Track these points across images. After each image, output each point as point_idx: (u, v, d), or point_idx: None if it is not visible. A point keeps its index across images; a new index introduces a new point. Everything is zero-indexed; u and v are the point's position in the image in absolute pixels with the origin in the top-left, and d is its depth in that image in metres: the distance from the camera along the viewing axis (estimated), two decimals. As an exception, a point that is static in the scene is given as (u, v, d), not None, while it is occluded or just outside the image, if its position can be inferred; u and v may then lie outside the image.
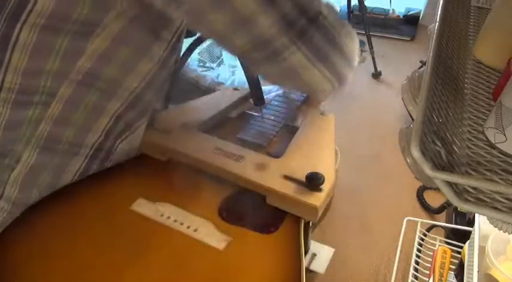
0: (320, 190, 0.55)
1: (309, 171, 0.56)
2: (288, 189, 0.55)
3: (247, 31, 0.45)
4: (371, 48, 1.58)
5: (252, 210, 0.57)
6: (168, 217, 0.54)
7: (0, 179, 0.53)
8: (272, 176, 0.57)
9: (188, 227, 0.52)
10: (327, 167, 0.59)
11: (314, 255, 0.59)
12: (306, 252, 0.56)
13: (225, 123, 0.75)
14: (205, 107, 0.75)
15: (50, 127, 0.53)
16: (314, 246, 0.60)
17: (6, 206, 0.54)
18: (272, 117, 0.75)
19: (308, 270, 0.57)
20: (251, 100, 0.79)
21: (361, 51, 1.10)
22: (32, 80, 0.49)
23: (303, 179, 0.56)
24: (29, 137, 0.52)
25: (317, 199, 0.54)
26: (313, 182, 0.55)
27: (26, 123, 0.51)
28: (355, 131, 1.33)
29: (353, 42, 0.53)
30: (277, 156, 0.62)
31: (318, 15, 0.46)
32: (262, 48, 0.46)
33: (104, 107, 0.56)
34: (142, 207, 0.55)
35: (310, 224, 0.57)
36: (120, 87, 0.55)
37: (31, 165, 0.54)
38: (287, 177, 0.57)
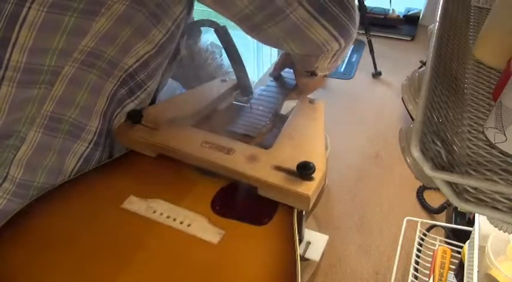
0: (311, 179, 0.55)
1: (300, 161, 0.56)
2: (280, 179, 0.55)
3: None
4: (371, 48, 1.58)
5: (245, 203, 0.58)
6: (161, 214, 0.54)
7: (5, 159, 0.53)
8: (263, 167, 0.57)
9: (181, 223, 0.52)
10: (317, 156, 0.59)
11: (309, 243, 0.59)
12: (300, 241, 0.57)
13: (214, 116, 0.75)
14: (193, 100, 0.74)
15: (53, 107, 0.53)
16: (308, 234, 0.60)
17: (11, 187, 0.54)
18: (261, 108, 0.75)
19: (304, 259, 0.57)
20: (239, 91, 0.79)
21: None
22: (38, 58, 0.49)
23: (294, 168, 0.55)
24: (33, 116, 0.52)
25: (309, 188, 0.54)
26: (304, 171, 0.55)
27: (31, 103, 0.51)
28: (355, 130, 1.33)
29: None
30: (267, 147, 0.62)
31: None
32: (264, 8, 0.46)
33: (102, 87, 0.56)
34: (134, 204, 0.55)
35: (304, 213, 0.57)
36: (116, 67, 0.56)
37: (36, 145, 0.54)
38: (278, 168, 0.57)
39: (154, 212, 0.54)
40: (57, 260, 0.48)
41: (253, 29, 0.52)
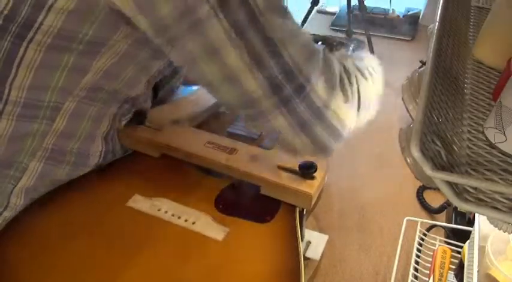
0: (313, 178, 0.56)
1: (302, 160, 0.57)
2: (282, 178, 0.56)
3: (235, 88, 0.45)
4: (371, 48, 1.58)
5: (248, 201, 0.59)
6: (166, 212, 0.54)
7: (5, 189, 0.53)
8: (266, 166, 0.58)
9: (186, 221, 0.53)
10: None
11: (309, 243, 0.61)
12: (301, 240, 0.58)
13: (216, 118, 0.75)
14: (195, 102, 0.75)
15: (55, 140, 0.53)
16: (308, 234, 0.62)
17: (9, 215, 0.54)
18: None
19: (304, 258, 0.58)
20: None
21: (341, 43, 1.10)
22: (37, 95, 0.49)
23: (296, 168, 0.57)
24: (34, 149, 0.52)
25: (311, 187, 0.55)
26: (306, 170, 0.56)
27: (31, 136, 0.51)
28: (354, 130, 1.33)
29: (348, 110, 0.49)
30: (268, 148, 0.62)
31: (305, 86, 0.45)
32: (248, 106, 0.46)
33: (104, 114, 0.57)
34: (139, 203, 0.55)
35: (304, 212, 0.57)
36: (119, 95, 0.56)
37: (37, 175, 0.54)
38: (280, 167, 0.58)
39: (159, 210, 0.54)
40: (63, 257, 0.49)
41: (240, 116, 0.50)
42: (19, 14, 0.44)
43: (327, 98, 0.47)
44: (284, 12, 0.45)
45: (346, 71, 0.50)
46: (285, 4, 0.46)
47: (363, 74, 0.52)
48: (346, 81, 0.49)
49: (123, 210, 0.55)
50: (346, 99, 0.48)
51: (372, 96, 0.53)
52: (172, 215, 0.54)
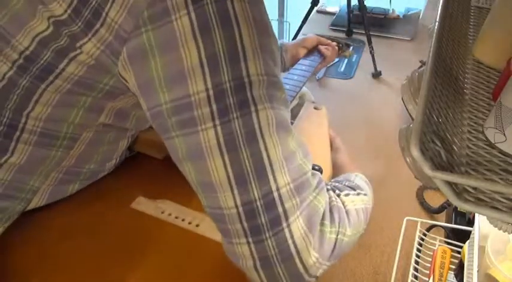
0: None
1: None
2: None
3: (210, 196, 0.43)
4: (371, 48, 1.58)
5: None
6: (169, 214, 0.54)
7: (13, 210, 0.53)
8: None
9: (190, 223, 0.53)
10: (323, 159, 0.60)
11: None
12: None
13: None
14: None
15: (71, 163, 0.53)
16: None
17: None
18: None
19: None
20: None
21: (348, 45, 1.12)
22: (54, 126, 0.49)
23: None
24: (48, 172, 0.52)
25: None
26: None
27: (47, 162, 0.51)
28: (355, 130, 1.33)
29: (318, 256, 0.43)
30: None
31: (281, 221, 0.41)
32: (217, 220, 0.43)
33: (124, 137, 0.57)
34: (143, 205, 0.55)
35: None
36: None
37: (47, 196, 0.54)
38: None
39: (162, 212, 0.54)
40: (65, 258, 0.49)
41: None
42: (41, 57, 0.44)
43: (299, 242, 0.41)
44: (286, 133, 0.43)
45: (332, 209, 0.46)
46: (289, 124, 0.44)
47: (349, 217, 0.47)
48: (327, 222, 0.44)
49: (126, 212, 0.55)
50: (321, 243, 0.43)
51: (352, 242, 0.48)
52: (176, 217, 0.54)
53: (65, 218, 0.54)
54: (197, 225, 0.52)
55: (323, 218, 0.44)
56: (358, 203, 0.49)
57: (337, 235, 0.44)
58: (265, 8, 0.43)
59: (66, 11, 0.41)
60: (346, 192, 0.50)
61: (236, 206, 0.41)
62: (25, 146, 0.49)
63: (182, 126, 0.41)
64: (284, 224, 0.41)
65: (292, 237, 0.41)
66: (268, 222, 0.41)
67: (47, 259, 0.49)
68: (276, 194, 0.41)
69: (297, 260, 0.42)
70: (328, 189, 0.48)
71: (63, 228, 0.53)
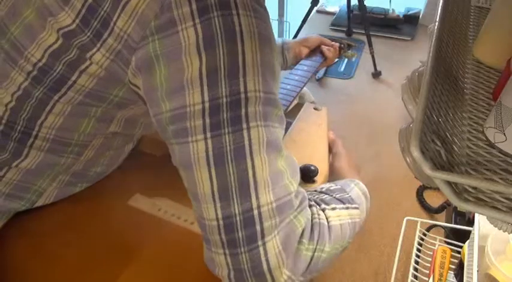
0: (314, 182, 0.56)
1: (303, 164, 0.56)
2: None
3: (195, 202, 0.43)
4: (371, 48, 1.58)
5: None
6: (166, 211, 0.54)
7: (18, 209, 0.53)
8: None
9: (185, 221, 0.53)
10: (320, 160, 0.60)
11: None
12: None
13: None
14: None
15: (79, 167, 0.54)
16: None
17: None
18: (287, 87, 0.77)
19: None
20: None
21: (350, 46, 1.12)
22: (66, 134, 0.49)
23: None
24: (56, 175, 0.53)
25: None
26: (307, 174, 0.56)
27: (58, 166, 0.52)
28: (355, 130, 1.33)
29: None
30: None
31: (257, 239, 0.41)
32: (200, 226, 0.44)
33: (131, 140, 0.58)
34: (139, 202, 0.55)
35: None
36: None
37: (52, 198, 0.54)
38: None
39: (159, 209, 0.55)
40: (63, 255, 0.49)
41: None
42: (54, 69, 0.44)
43: (272, 261, 0.41)
44: (276, 152, 0.43)
45: (314, 226, 0.45)
46: (281, 143, 0.44)
47: (330, 233, 0.46)
48: (305, 240, 0.44)
49: (123, 208, 0.55)
50: (295, 262, 0.43)
51: (332, 256, 0.47)
52: (173, 215, 0.54)
53: (62, 214, 0.54)
54: (192, 223, 0.53)
55: (301, 236, 0.43)
56: (344, 218, 0.49)
57: (314, 252, 0.44)
58: (271, 24, 0.44)
59: (74, 20, 0.42)
60: (332, 206, 0.49)
61: (217, 219, 0.41)
62: (38, 151, 0.49)
63: (176, 135, 0.41)
64: (260, 242, 0.41)
65: (266, 255, 0.41)
66: (245, 238, 0.41)
67: (43, 254, 0.49)
68: (256, 212, 0.41)
69: (268, 277, 0.42)
70: (311, 205, 0.47)
71: (59, 224, 0.53)
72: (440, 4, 0.49)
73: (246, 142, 0.40)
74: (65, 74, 0.44)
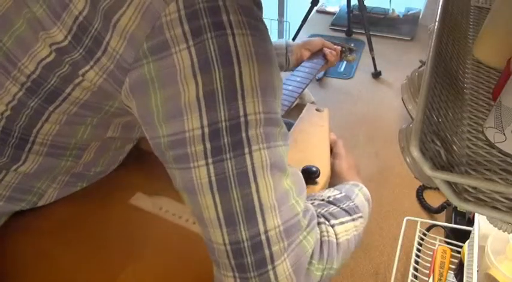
0: (315, 183, 0.56)
1: (305, 165, 0.56)
2: None
3: (202, 227, 0.43)
4: (371, 48, 1.58)
5: None
6: (167, 211, 0.54)
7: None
8: None
9: (187, 220, 0.53)
10: (322, 161, 0.60)
11: None
12: None
13: None
14: None
15: (79, 169, 0.54)
16: None
17: None
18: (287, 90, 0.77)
19: None
20: None
21: (351, 50, 1.13)
22: (64, 139, 0.49)
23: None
24: (55, 176, 0.52)
25: (312, 192, 0.54)
26: (308, 175, 0.55)
27: (57, 169, 0.51)
28: (355, 130, 1.33)
29: None
30: None
31: (267, 264, 0.41)
32: (209, 249, 0.44)
33: (129, 142, 0.57)
34: (140, 201, 0.55)
35: None
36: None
37: (53, 200, 0.54)
38: None
39: (160, 209, 0.55)
40: (63, 254, 0.49)
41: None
42: (47, 81, 0.44)
43: None
44: (281, 172, 0.42)
45: (323, 245, 0.45)
46: (285, 162, 0.43)
47: (339, 250, 0.46)
48: (315, 261, 0.43)
49: (124, 207, 0.55)
50: None
51: (338, 270, 0.47)
52: (173, 214, 0.54)
53: (62, 213, 0.54)
54: (194, 223, 0.53)
55: (311, 257, 0.43)
56: (351, 231, 0.49)
57: (324, 271, 0.44)
58: (269, 38, 0.42)
59: (66, 37, 0.41)
60: (341, 220, 0.49)
61: (224, 244, 0.41)
62: (36, 156, 0.49)
63: (177, 160, 0.41)
64: (269, 266, 0.40)
65: (276, 278, 0.41)
66: (254, 263, 0.40)
67: (42, 254, 0.49)
68: (263, 237, 0.40)
69: None
70: (320, 223, 0.46)
71: (59, 223, 0.53)
72: (440, 4, 0.49)
73: (249, 167, 0.39)
74: (59, 87, 0.44)
